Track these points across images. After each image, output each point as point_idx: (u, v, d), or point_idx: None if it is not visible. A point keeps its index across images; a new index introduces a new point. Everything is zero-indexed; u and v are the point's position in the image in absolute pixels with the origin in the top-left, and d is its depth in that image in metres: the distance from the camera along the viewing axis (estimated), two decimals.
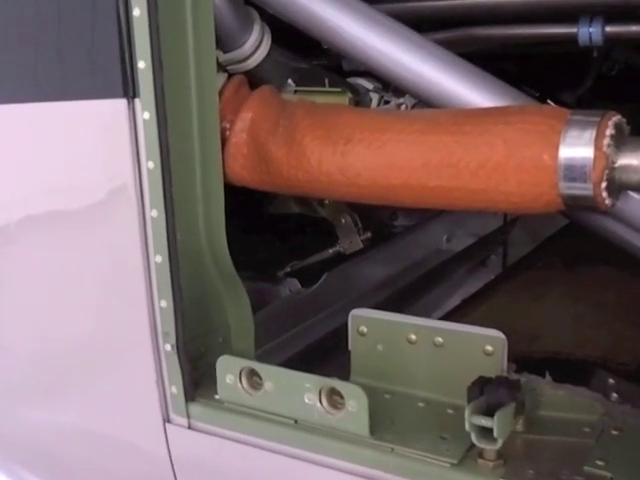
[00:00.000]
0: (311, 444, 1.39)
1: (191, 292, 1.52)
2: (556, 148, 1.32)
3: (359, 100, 1.93)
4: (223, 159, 1.59)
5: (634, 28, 2.00)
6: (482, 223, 3.03)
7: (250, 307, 1.63)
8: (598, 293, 2.33)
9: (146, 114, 1.42)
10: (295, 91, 1.86)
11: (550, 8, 1.96)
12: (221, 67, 1.75)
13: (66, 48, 1.49)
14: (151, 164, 1.44)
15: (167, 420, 1.58)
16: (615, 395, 1.55)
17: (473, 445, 1.24)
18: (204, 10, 1.47)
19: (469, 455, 1.27)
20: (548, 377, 1.39)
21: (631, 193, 1.42)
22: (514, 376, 1.36)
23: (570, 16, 2.05)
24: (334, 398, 1.36)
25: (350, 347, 1.52)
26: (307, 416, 1.39)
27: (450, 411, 1.40)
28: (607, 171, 1.31)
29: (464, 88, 1.58)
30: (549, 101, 2.54)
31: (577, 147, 1.31)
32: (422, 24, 2.04)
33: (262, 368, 1.43)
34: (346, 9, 1.68)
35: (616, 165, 1.32)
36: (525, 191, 1.36)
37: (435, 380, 1.44)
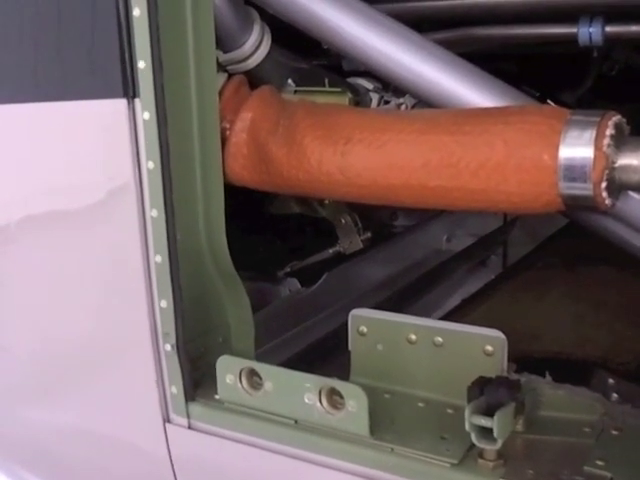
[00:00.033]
0: (311, 444, 1.39)
1: (191, 292, 1.52)
2: (556, 148, 1.32)
3: (359, 100, 1.93)
4: (223, 159, 1.59)
5: (634, 28, 2.00)
6: (482, 223, 3.03)
7: (250, 307, 1.63)
8: (598, 293, 2.33)
9: (146, 114, 1.42)
10: (295, 91, 1.86)
11: (550, 8, 1.97)
12: (221, 67, 1.76)
13: (66, 48, 1.49)
14: (151, 164, 1.44)
15: (167, 420, 1.58)
16: (615, 395, 1.55)
17: (473, 445, 1.24)
18: (204, 10, 1.47)
19: (469, 455, 1.27)
20: (548, 377, 1.39)
21: (631, 193, 1.42)
22: (514, 376, 1.36)
23: (570, 16, 2.05)
24: (334, 398, 1.36)
25: (350, 347, 1.52)
26: (307, 416, 1.39)
27: (450, 411, 1.40)
28: (607, 171, 1.31)
29: (464, 88, 1.59)
30: (549, 101, 2.54)
31: (577, 147, 1.31)
32: (422, 24, 2.05)
33: (262, 368, 1.43)
34: (346, 9, 1.68)
35: (616, 165, 1.32)
36: (525, 191, 1.36)
37: (435, 380, 1.44)
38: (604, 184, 1.31)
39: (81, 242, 1.60)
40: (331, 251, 2.29)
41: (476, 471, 1.25)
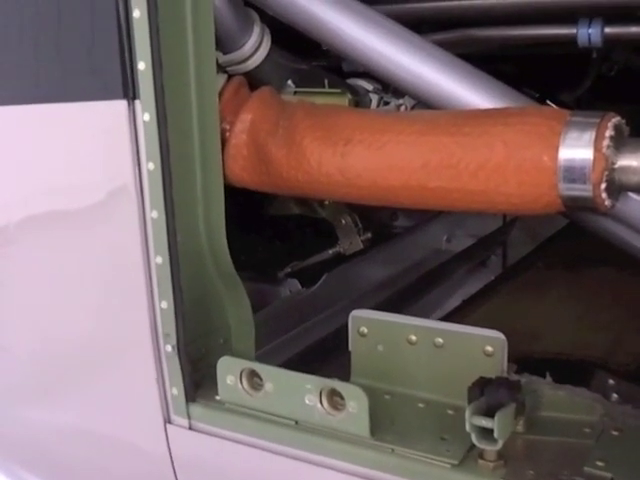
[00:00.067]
0: (312, 445, 1.40)
1: (192, 293, 1.52)
2: (556, 149, 1.32)
3: (359, 101, 1.93)
4: (223, 160, 1.59)
5: (633, 29, 2.01)
6: (482, 224, 3.02)
7: (250, 308, 1.63)
8: (598, 294, 2.33)
9: (146, 115, 1.42)
10: (295, 92, 1.87)
11: (549, 9, 1.97)
12: (221, 68, 1.76)
13: (66, 49, 1.49)
14: (151, 165, 1.44)
15: (168, 421, 1.58)
16: (615, 396, 1.56)
17: (473, 446, 1.24)
18: (204, 11, 1.47)
19: (469, 456, 1.27)
20: (548, 378, 1.39)
21: (631, 194, 1.42)
22: (514, 377, 1.37)
23: (569, 17, 2.06)
24: (335, 399, 1.36)
25: (350, 348, 1.53)
26: (308, 417, 1.39)
27: (450, 412, 1.40)
28: (607, 172, 1.31)
29: (463, 89, 1.59)
30: (549, 102, 2.54)
31: (577, 148, 1.31)
32: (421, 25, 2.05)
33: (263, 369, 1.43)
34: (345, 10, 1.68)
35: (616, 166, 1.33)
36: (525, 192, 1.37)
37: (435, 381, 1.44)
38: (604, 185, 1.31)
39: (82, 243, 1.61)
40: (331, 252, 2.29)
41: (476, 472, 1.25)
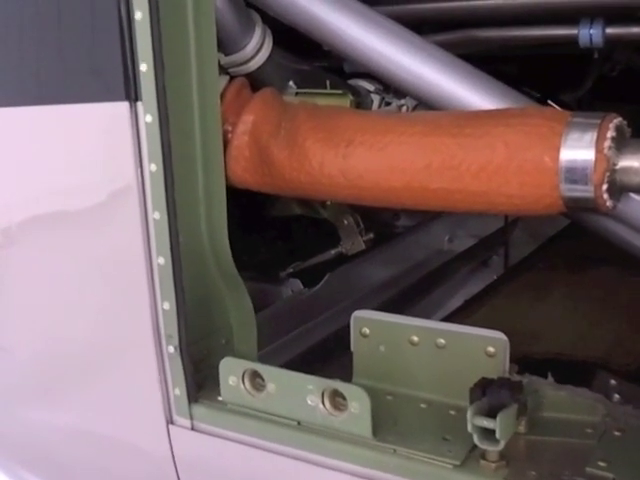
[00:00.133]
0: (314, 445, 1.40)
1: (194, 294, 1.52)
2: (557, 150, 1.32)
3: (360, 102, 1.94)
4: (225, 161, 1.60)
5: (635, 30, 2.01)
6: (483, 224, 3.02)
7: (252, 309, 1.64)
8: (600, 294, 2.33)
9: (148, 117, 1.42)
10: (296, 93, 1.87)
11: (550, 10, 1.97)
12: (223, 70, 1.76)
13: (68, 51, 1.50)
14: (153, 166, 1.44)
15: (170, 421, 1.58)
16: (617, 396, 1.56)
17: (475, 446, 1.24)
18: (205, 13, 1.47)
19: (471, 456, 1.27)
20: (550, 378, 1.40)
21: (632, 195, 1.42)
22: (516, 377, 1.37)
23: (571, 18, 2.06)
24: (337, 400, 1.37)
25: (352, 348, 1.53)
26: (310, 417, 1.39)
27: (452, 412, 1.41)
28: (608, 173, 1.31)
29: (465, 90, 1.59)
30: (550, 102, 2.54)
31: (578, 149, 1.31)
32: (422, 26, 2.05)
33: (265, 370, 1.44)
34: (346, 11, 1.69)
35: (617, 167, 1.33)
36: (526, 193, 1.37)
37: (437, 381, 1.44)
38: (605, 186, 1.32)
39: (84, 244, 1.61)
40: (333, 252, 2.29)
41: (478, 472, 1.25)
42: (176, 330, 1.50)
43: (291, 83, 1.88)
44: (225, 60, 1.78)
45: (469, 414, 1.21)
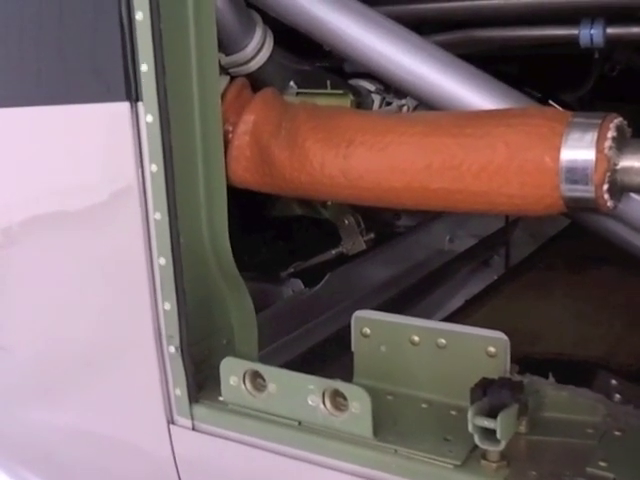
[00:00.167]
0: (314, 446, 1.40)
1: (195, 294, 1.52)
2: (558, 150, 1.33)
3: (361, 102, 1.94)
4: (226, 162, 1.60)
5: (635, 30, 2.01)
6: (484, 224, 3.02)
7: (253, 309, 1.64)
8: (601, 294, 2.33)
9: (149, 117, 1.42)
10: (297, 93, 1.87)
11: (551, 10, 1.97)
12: (223, 70, 1.76)
13: (69, 52, 1.50)
14: (154, 167, 1.44)
15: (171, 422, 1.58)
16: (618, 396, 1.56)
17: (476, 446, 1.24)
18: (206, 13, 1.47)
19: (472, 456, 1.27)
20: (551, 378, 1.40)
21: (633, 195, 1.42)
22: (517, 377, 1.37)
23: (571, 18, 2.06)
24: (337, 400, 1.37)
25: (353, 348, 1.53)
26: (311, 418, 1.39)
27: (453, 412, 1.41)
28: (609, 173, 1.31)
29: (465, 90, 1.59)
30: (551, 102, 2.54)
31: (579, 149, 1.31)
32: (423, 26, 2.05)
33: (265, 370, 1.44)
34: (347, 11, 1.69)
35: (618, 167, 1.33)
36: (527, 193, 1.37)
37: (438, 381, 1.44)
38: (606, 186, 1.32)
39: (85, 245, 1.61)
40: (334, 252, 2.29)
41: (479, 472, 1.25)
42: (177, 330, 1.50)
43: (292, 83, 1.89)
44: (226, 60, 1.78)
45: (470, 414, 1.21)
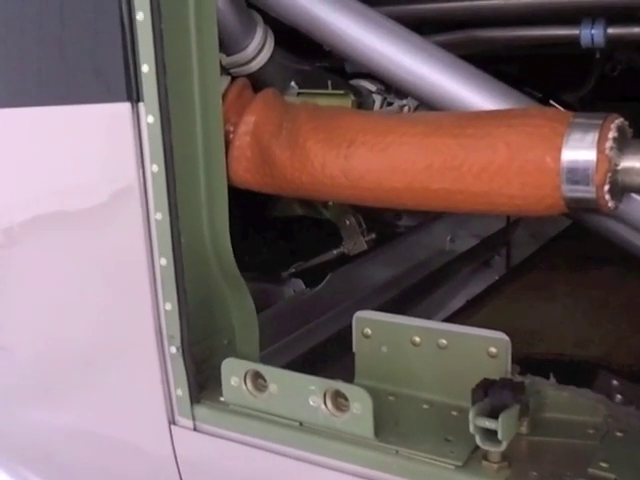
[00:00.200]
0: (316, 446, 1.40)
1: (196, 295, 1.52)
2: (559, 151, 1.32)
3: (362, 102, 1.94)
4: (227, 162, 1.60)
5: (636, 30, 2.01)
6: (485, 224, 3.03)
7: (254, 309, 1.64)
8: (602, 294, 2.33)
9: (150, 118, 1.42)
10: (298, 93, 1.87)
11: (552, 10, 1.97)
12: (224, 70, 1.76)
13: (70, 52, 1.50)
14: (155, 167, 1.44)
15: (172, 422, 1.58)
16: (619, 397, 1.55)
17: (477, 447, 1.24)
18: (207, 13, 1.47)
19: (473, 457, 1.27)
20: (552, 379, 1.40)
21: (634, 195, 1.42)
22: (518, 378, 1.37)
23: (572, 18, 2.06)
24: (339, 400, 1.37)
25: (354, 349, 1.53)
26: (312, 418, 1.39)
27: (454, 413, 1.41)
28: (610, 174, 1.31)
29: (466, 90, 1.59)
30: (552, 102, 2.54)
31: (580, 150, 1.31)
32: (423, 26, 2.05)
33: (267, 370, 1.44)
34: (347, 12, 1.69)
35: (619, 168, 1.33)
36: (528, 194, 1.37)
37: (439, 382, 1.44)
38: (607, 187, 1.31)
39: (86, 245, 1.61)
40: (335, 252, 2.29)
41: (480, 473, 1.25)
42: (178, 331, 1.50)
43: (293, 83, 1.88)
44: (227, 61, 1.78)
45: (471, 415, 1.20)
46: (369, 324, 1.50)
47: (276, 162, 1.60)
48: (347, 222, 2.22)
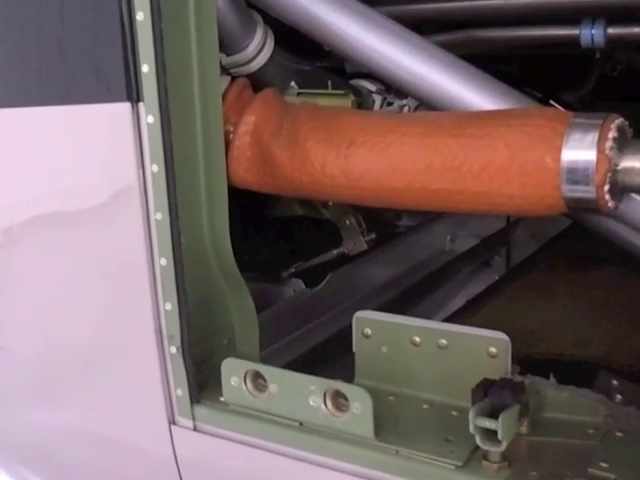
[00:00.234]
0: (316, 446, 1.40)
1: (196, 294, 1.52)
2: (559, 151, 1.32)
3: (362, 102, 1.94)
4: (227, 162, 1.60)
5: (636, 30, 2.01)
6: (485, 224, 3.03)
7: (254, 309, 1.64)
8: (602, 294, 2.33)
9: (150, 118, 1.42)
10: (298, 93, 1.87)
11: (552, 10, 1.97)
12: (224, 70, 1.76)
13: (70, 52, 1.50)
14: (155, 167, 1.44)
15: (172, 422, 1.58)
16: (619, 396, 1.55)
17: (477, 447, 1.24)
18: (207, 13, 1.47)
19: (473, 457, 1.27)
20: (552, 379, 1.40)
21: (634, 195, 1.42)
22: (518, 378, 1.37)
23: (572, 18, 2.06)
24: (339, 400, 1.37)
25: (354, 349, 1.53)
26: (312, 418, 1.39)
27: (454, 413, 1.41)
28: (610, 174, 1.31)
29: (466, 90, 1.59)
30: (552, 102, 2.54)
31: (580, 150, 1.31)
32: (423, 26, 2.05)
33: (267, 370, 1.44)
34: (347, 12, 1.69)
35: (619, 168, 1.33)
36: (528, 194, 1.37)
37: (439, 382, 1.44)
38: (607, 187, 1.31)
39: (86, 245, 1.61)
40: (335, 252, 2.29)
41: (480, 473, 1.25)
42: (178, 331, 1.50)
43: (293, 83, 1.88)
44: (227, 61, 1.78)
45: (471, 415, 1.20)
46: (369, 324, 1.50)
47: (276, 162, 1.60)
48: (347, 222, 2.22)
